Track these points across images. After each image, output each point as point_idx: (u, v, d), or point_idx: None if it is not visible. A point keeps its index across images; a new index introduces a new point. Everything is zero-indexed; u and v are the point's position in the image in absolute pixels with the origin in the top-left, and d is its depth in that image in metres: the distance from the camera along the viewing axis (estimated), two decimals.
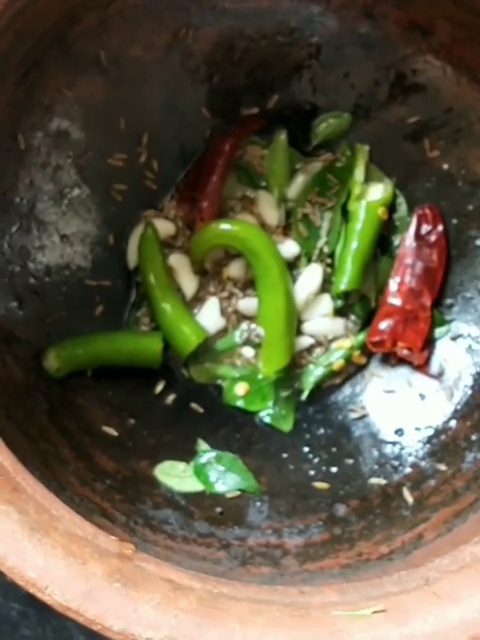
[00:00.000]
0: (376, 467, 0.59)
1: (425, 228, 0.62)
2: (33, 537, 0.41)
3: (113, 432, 0.59)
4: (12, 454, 0.45)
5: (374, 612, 0.42)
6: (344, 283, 0.61)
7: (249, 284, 0.64)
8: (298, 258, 0.64)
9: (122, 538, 0.46)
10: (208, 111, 0.63)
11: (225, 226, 0.61)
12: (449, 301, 0.62)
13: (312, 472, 0.60)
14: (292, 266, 0.63)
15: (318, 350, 0.63)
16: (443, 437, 0.59)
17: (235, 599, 0.43)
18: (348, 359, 0.63)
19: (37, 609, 0.65)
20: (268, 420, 0.61)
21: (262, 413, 0.62)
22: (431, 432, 0.60)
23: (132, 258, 0.63)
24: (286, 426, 0.61)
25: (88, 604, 0.40)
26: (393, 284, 0.62)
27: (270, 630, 0.41)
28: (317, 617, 0.42)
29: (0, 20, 0.50)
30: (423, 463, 0.59)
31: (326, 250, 0.63)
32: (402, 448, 0.60)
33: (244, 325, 0.63)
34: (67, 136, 0.60)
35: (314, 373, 0.62)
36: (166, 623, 0.40)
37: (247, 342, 0.63)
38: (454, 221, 0.62)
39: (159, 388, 0.62)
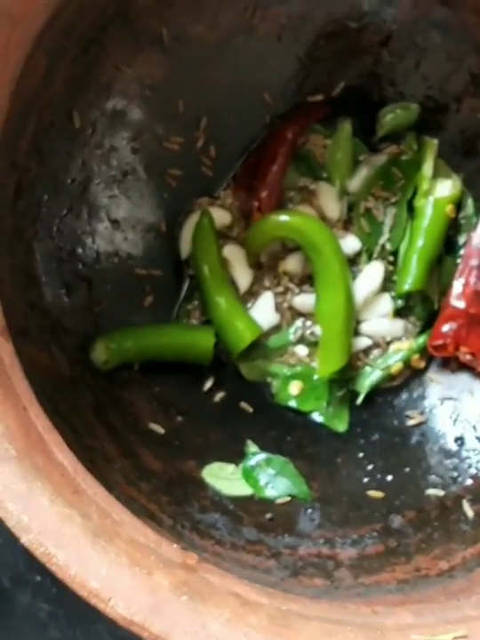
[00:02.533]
0: (434, 477, 0.57)
1: None
2: (97, 544, 0.38)
3: (160, 429, 0.56)
4: (72, 454, 0.42)
5: (455, 638, 0.39)
6: (408, 283, 0.58)
7: (305, 280, 0.61)
8: (359, 254, 0.61)
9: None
10: (270, 97, 0.60)
11: (285, 217, 0.58)
12: None
13: (366, 480, 0.57)
14: (352, 262, 0.61)
15: (376, 352, 0.61)
16: None
17: (305, 618, 0.40)
18: (407, 363, 0.60)
19: (67, 610, 0.62)
20: (321, 419, 0.59)
21: (315, 414, 0.59)
22: None
23: (185, 247, 0.60)
24: (341, 426, 0.59)
25: (154, 618, 0.37)
26: (457, 286, 0.59)
27: None
28: None
29: None
30: None
31: (389, 247, 0.61)
32: (461, 458, 0.57)
33: (299, 322, 0.61)
34: (123, 116, 0.58)
35: (370, 376, 0.60)
36: None
37: (301, 340, 0.61)
38: None
39: (208, 384, 0.59)
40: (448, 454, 0.58)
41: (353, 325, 0.59)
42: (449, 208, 0.59)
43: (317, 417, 0.59)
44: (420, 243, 0.58)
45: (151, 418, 0.57)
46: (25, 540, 0.37)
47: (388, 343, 0.61)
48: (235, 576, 0.42)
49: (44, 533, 0.38)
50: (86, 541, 0.38)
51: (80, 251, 0.57)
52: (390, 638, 0.40)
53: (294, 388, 0.59)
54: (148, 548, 0.40)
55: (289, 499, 0.55)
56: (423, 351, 0.60)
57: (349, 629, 0.40)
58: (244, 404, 0.59)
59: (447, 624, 0.41)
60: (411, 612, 0.42)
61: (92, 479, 0.42)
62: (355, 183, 0.61)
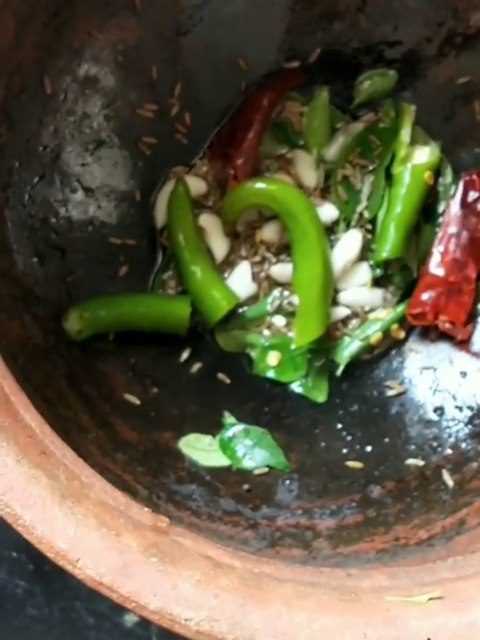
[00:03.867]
0: (413, 447, 0.56)
1: (472, 195, 0.58)
2: (64, 504, 0.37)
3: (135, 400, 0.55)
4: (40, 415, 0.41)
5: (431, 599, 0.39)
6: (386, 250, 0.58)
7: (283, 249, 0.60)
8: (336, 222, 0.60)
9: None
10: (245, 63, 0.60)
11: (261, 185, 0.57)
12: None
13: (345, 450, 0.56)
14: (329, 231, 0.60)
15: (354, 322, 0.60)
16: None
17: (278, 580, 0.40)
18: (386, 332, 0.59)
19: (44, 586, 0.62)
20: (300, 390, 0.58)
21: (294, 384, 0.58)
22: (473, 412, 0.56)
23: (160, 216, 0.59)
24: (320, 397, 0.58)
25: (123, 579, 0.37)
26: (436, 254, 0.58)
27: (319, 615, 0.38)
28: (369, 602, 0.39)
29: None
30: (464, 445, 0.55)
31: (367, 215, 0.60)
32: (441, 428, 0.57)
33: (276, 292, 0.60)
34: (95, 82, 0.57)
35: (349, 347, 0.59)
36: (207, 603, 0.37)
37: (279, 310, 0.60)
38: None
39: (185, 355, 0.58)
40: (428, 424, 0.57)
41: (331, 294, 0.58)
42: (427, 175, 0.58)
43: (296, 388, 0.59)
44: (398, 210, 0.58)
45: (126, 389, 0.56)
46: None
47: (367, 313, 0.60)
48: (206, 540, 0.41)
49: (10, 494, 0.37)
50: (53, 502, 0.37)
51: (53, 219, 0.56)
52: (365, 600, 0.39)
53: (273, 358, 0.58)
54: (118, 511, 0.40)
55: (267, 470, 0.55)
56: (402, 321, 0.59)
57: (323, 591, 0.39)
58: (221, 375, 0.59)
59: (423, 586, 0.40)
60: (386, 574, 0.42)
61: (60, 442, 0.41)
62: (332, 151, 0.61)
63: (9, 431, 0.38)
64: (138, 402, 0.55)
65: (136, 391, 0.56)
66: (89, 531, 0.37)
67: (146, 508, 0.41)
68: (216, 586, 0.38)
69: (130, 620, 0.61)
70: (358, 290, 0.59)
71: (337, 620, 0.37)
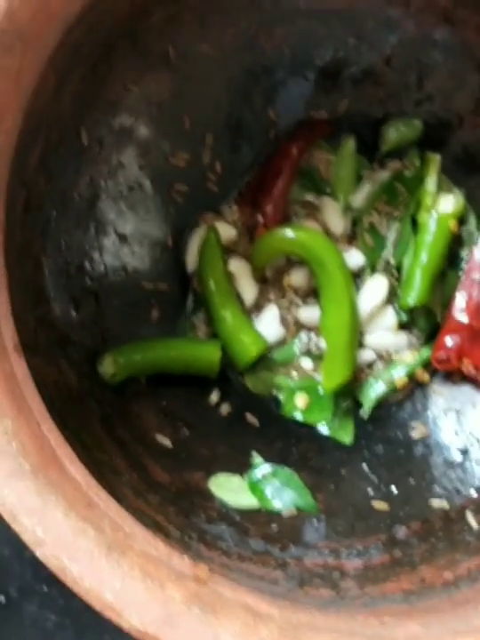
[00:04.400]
0: (438, 488, 0.57)
1: None
2: (110, 557, 0.39)
3: (167, 442, 0.56)
4: (84, 467, 0.42)
5: None
6: (412, 297, 0.59)
7: (310, 293, 0.62)
8: (362, 268, 0.61)
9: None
10: (274, 114, 0.61)
11: (290, 232, 0.59)
12: None
13: (371, 491, 0.57)
14: (356, 276, 0.61)
15: (380, 364, 0.61)
16: None
17: (315, 629, 0.41)
18: (411, 375, 0.60)
19: (74, 620, 0.63)
20: (326, 431, 0.59)
21: (321, 426, 0.60)
22: None
23: (191, 261, 0.61)
24: (346, 438, 0.59)
25: (167, 629, 0.38)
26: (460, 300, 0.59)
27: None
28: None
29: (75, 11, 0.48)
30: None
31: (392, 261, 0.61)
32: (465, 470, 0.58)
33: (304, 336, 0.61)
34: (130, 133, 0.58)
35: (375, 389, 0.60)
36: None
37: (306, 353, 0.61)
38: None
39: (214, 397, 0.60)
40: (452, 466, 0.58)
41: (357, 339, 0.60)
42: (452, 223, 0.59)
43: (323, 429, 0.60)
44: (423, 257, 0.59)
45: (158, 430, 0.57)
46: (39, 553, 0.38)
47: (392, 356, 0.61)
48: (244, 587, 0.43)
49: (59, 547, 0.38)
50: (100, 554, 0.39)
51: (88, 265, 0.58)
52: None
53: (300, 400, 0.60)
54: (160, 561, 0.41)
55: (295, 510, 0.56)
56: (427, 364, 0.61)
57: None
58: (249, 417, 0.60)
59: (455, 634, 0.41)
60: (419, 623, 0.43)
61: (104, 493, 0.42)
62: (358, 198, 0.62)
63: (57, 485, 0.40)
64: (169, 443, 0.56)
65: (167, 432, 0.57)
66: (134, 582, 0.39)
67: (186, 557, 0.42)
68: (257, 636, 0.39)
69: None
70: (384, 333, 0.61)
71: None
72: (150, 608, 0.38)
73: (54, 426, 0.43)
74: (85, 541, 0.39)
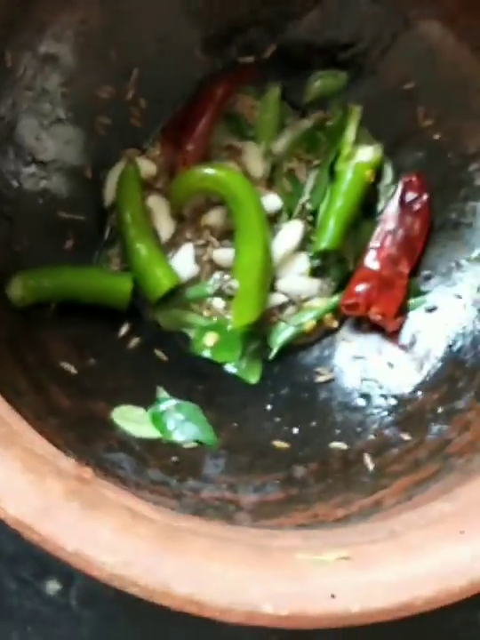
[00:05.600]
0: (339, 431, 0.58)
1: (410, 195, 0.61)
2: None
3: (72, 369, 0.56)
4: None
5: (338, 559, 0.41)
6: (325, 241, 0.60)
7: (226, 235, 0.62)
8: (279, 213, 0.62)
9: None
10: (202, 54, 0.62)
11: (209, 171, 0.59)
12: (427, 273, 0.62)
13: (273, 431, 0.58)
14: (272, 220, 0.62)
15: (290, 309, 0.62)
16: (408, 408, 0.58)
17: (196, 534, 0.41)
18: (320, 321, 0.61)
19: None
20: (234, 371, 0.60)
21: (228, 365, 0.60)
22: (397, 401, 0.59)
23: (110, 195, 0.61)
24: (253, 378, 0.60)
25: (44, 521, 0.38)
26: (372, 249, 0.61)
27: (232, 567, 0.39)
28: (280, 558, 0.41)
29: None
30: (387, 431, 0.57)
31: (309, 207, 0.62)
32: (366, 415, 0.59)
33: (217, 276, 0.62)
34: (55, 60, 0.58)
35: (283, 333, 0.61)
36: (124, 548, 0.38)
37: (219, 293, 0.62)
38: (439, 193, 0.61)
39: (124, 330, 0.60)
40: (354, 410, 0.59)
41: (269, 281, 0.60)
42: (368, 173, 0.60)
43: (230, 368, 0.60)
44: (338, 204, 0.60)
45: (64, 358, 0.57)
46: None
47: (303, 301, 0.62)
48: (128, 493, 0.43)
49: None
50: None
51: (4, 189, 0.57)
52: (276, 556, 0.41)
53: (209, 339, 0.60)
54: (45, 459, 0.41)
55: (196, 444, 0.56)
56: (336, 311, 0.62)
57: (238, 546, 0.41)
58: (158, 352, 0.60)
59: (333, 547, 0.42)
60: (301, 536, 0.44)
61: None
62: (280, 145, 0.63)
63: None
64: (75, 371, 0.56)
65: (73, 361, 0.57)
66: (14, 473, 0.39)
67: (71, 459, 0.42)
68: (134, 534, 0.39)
69: (52, 587, 0.62)
70: (296, 278, 0.61)
71: (248, 573, 0.39)
72: (29, 499, 0.38)
73: None
74: None
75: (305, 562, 0.40)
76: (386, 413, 0.58)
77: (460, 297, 0.60)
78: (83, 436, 0.53)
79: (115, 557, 0.38)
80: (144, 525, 0.40)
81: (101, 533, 0.38)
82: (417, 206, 0.61)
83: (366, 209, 0.62)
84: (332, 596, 0.39)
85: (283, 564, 0.40)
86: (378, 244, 0.60)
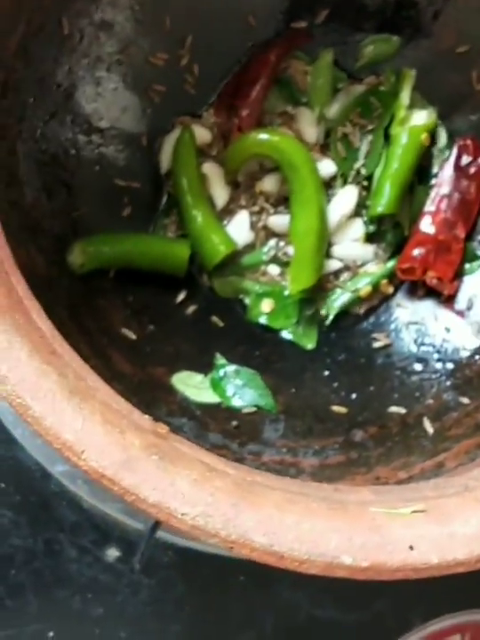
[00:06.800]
0: (397, 396, 0.58)
1: (465, 159, 0.61)
2: (72, 400, 0.39)
3: (132, 335, 0.57)
4: (51, 322, 0.43)
5: (414, 512, 0.41)
6: (381, 205, 0.60)
7: (281, 201, 0.62)
8: (334, 178, 0.62)
9: None
10: (255, 20, 0.62)
11: (264, 136, 0.59)
12: None
13: (331, 396, 0.58)
14: (327, 186, 0.62)
15: (346, 275, 0.62)
16: (467, 372, 0.58)
17: (270, 487, 0.42)
18: (376, 287, 0.61)
19: (30, 518, 0.63)
20: (290, 337, 0.60)
21: (285, 331, 0.60)
22: (455, 366, 0.59)
23: (165, 162, 0.61)
24: (309, 344, 0.60)
25: (125, 472, 0.38)
26: (428, 214, 0.60)
27: (308, 519, 0.39)
28: (355, 511, 0.41)
29: None
30: (445, 395, 0.57)
31: (364, 172, 0.62)
32: (424, 379, 0.59)
33: (273, 242, 0.62)
34: (110, 27, 0.59)
35: (340, 298, 0.61)
36: (203, 500, 0.39)
37: (274, 260, 0.62)
38: None
39: (181, 297, 0.60)
40: (411, 375, 0.59)
41: (325, 246, 0.60)
42: (423, 136, 0.60)
43: (287, 334, 0.61)
44: (394, 168, 0.60)
45: (124, 324, 0.57)
46: (1, 390, 0.38)
47: (359, 267, 0.62)
48: (203, 450, 0.43)
49: (22, 385, 0.38)
50: (62, 397, 0.39)
51: (62, 156, 0.58)
52: (351, 509, 0.41)
53: (266, 305, 0.60)
54: (121, 413, 0.41)
55: (255, 409, 0.56)
56: (392, 277, 0.62)
57: (311, 500, 0.41)
58: (215, 318, 0.60)
59: (406, 502, 0.42)
60: (372, 491, 0.44)
61: (68, 347, 0.43)
62: (333, 110, 0.63)
63: (22, 329, 0.40)
64: (134, 337, 0.57)
65: (133, 327, 0.58)
66: (94, 426, 0.39)
67: (146, 416, 0.43)
68: (211, 486, 0.39)
69: (111, 554, 0.63)
70: (351, 244, 0.62)
71: (324, 525, 0.39)
72: (109, 451, 0.39)
73: (22, 278, 0.43)
74: (48, 383, 0.39)
75: (381, 514, 0.41)
76: (444, 378, 0.58)
77: None
78: (145, 400, 0.53)
79: (194, 509, 0.38)
80: (221, 478, 0.40)
81: (181, 485, 0.39)
82: (472, 170, 0.61)
83: (420, 173, 0.62)
84: (411, 548, 0.39)
85: (359, 516, 0.41)
86: (433, 208, 0.60)
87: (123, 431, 0.39)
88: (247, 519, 0.39)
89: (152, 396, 0.54)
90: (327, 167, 0.61)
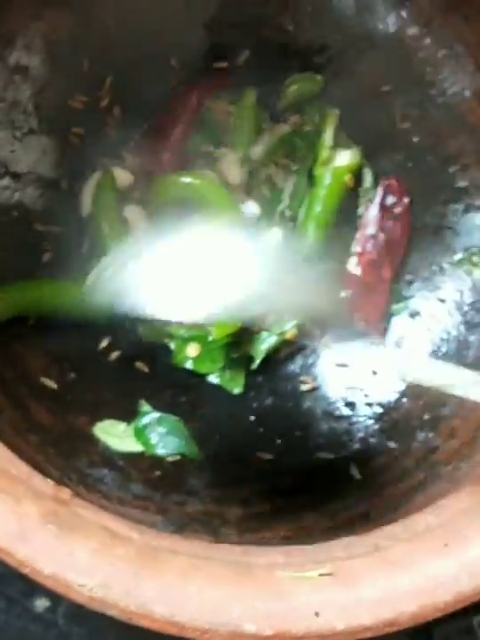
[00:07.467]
0: (324, 441, 0.57)
1: (390, 199, 0.61)
2: None
3: (52, 384, 0.56)
4: None
5: (321, 575, 0.40)
6: (304, 247, 0.59)
7: None
8: (258, 219, 0.61)
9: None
10: (176, 61, 0.61)
11: (186, 178, 0.58)
12: (409, 277, 0.61)
13: (257, 442, 0.57)
14: (251, 228, 0.61)
15: (272, 317, 0.61)
16: (394, 415, 0.58)
17: (175, 553, 0.41)
18: (302, 329, 0.60)
19: None
20: (217, 381, 0.59)
21: (211, 376, 0.59)
22: (382, 409, 0.58)
23: (86, 205, 0.60)
24: (236, 388, 0.59)
25: (19, 544, 0.37)
26: (354, 254, 0.60)
27: (211, 586, 0.39)
28: (261, 576, 0.40)
29: None
30: (372, 440, 0.57)
31: (288, 213, 0.61)
32: (351, 423, 0.58)
33: None
34: (26, 71, 0.57)
35: (266, 341, 0.60)
36: (102, 570, 0.38)
37: None
38: (420, 196, 0.61)
39: (104, 343, 0.59)
40: (339, 419, 0.58)
41: None
42: (347, 177, 0.60)
43: (213, 379, 0.60)
44: (317, 209, 0.59)
45: (44, 372, 0.56)
46: None
47: None
48: (107, 513, 0.42)
49: None
50: None
51: None
52: (257, 574, 0.40)
53: (192, 349, 0.59)
54: (19, 480, 0.40)
55: (179, 457, 0.55)
56: None
57: (217, 565, 0.40)
58: (140, 364, 0.59)
59: (315, 563, 0.41)
60: (282, 553, 0.43)
61: None
62: (257, 150, 0.62)
63: None
64: (55, 385, 0.56)
65: (53, 375, 0.56)
66: None
67: (49, 480, 0.42)
68: (112, 555, 0.38)
69: (40, 604, 0.61)
70: None
71: (228, 592, 0.38)
72: (3, 522, 0.37)
73: None
74: None
75: (287, 579, 0.40)
76: (371, 421, 0.58)
77: (443, 301, 0.60)
78: (64, 451, 0.52)
79: (93, 580, 0.37)
80: (123, 546, 0.39)
81: (79, 555, 0.38)
82: (398, 210, 0.60)
83: (347, 214, 0.61)
84: (316, 614, 0.38)
85: (265, 581, 0.40)
86: (360, 249, 0.60)
87: (18, 499, 0.38)
88: (148, 589, 0.38)
89: (72, 447, 0.53)
90: (251, 208, 0.61)
